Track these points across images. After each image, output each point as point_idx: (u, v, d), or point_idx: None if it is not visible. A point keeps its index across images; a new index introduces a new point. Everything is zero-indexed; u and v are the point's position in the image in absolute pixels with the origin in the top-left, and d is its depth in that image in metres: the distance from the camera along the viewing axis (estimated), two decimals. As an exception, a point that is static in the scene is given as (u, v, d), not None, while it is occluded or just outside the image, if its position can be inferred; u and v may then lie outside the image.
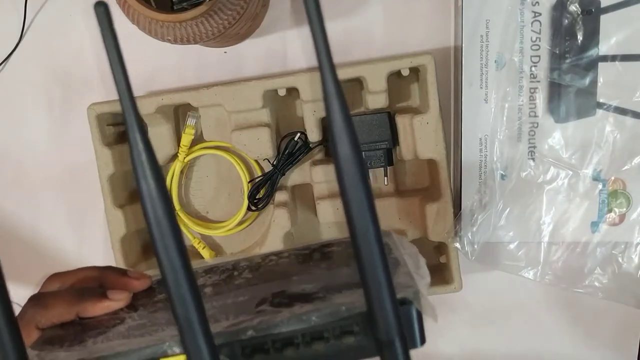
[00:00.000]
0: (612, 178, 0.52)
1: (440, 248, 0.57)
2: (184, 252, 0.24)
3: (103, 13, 0.22)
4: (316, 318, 0.28)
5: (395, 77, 0.55)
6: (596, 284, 0.52)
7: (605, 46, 0.50)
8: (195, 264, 0.36)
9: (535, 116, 0.52)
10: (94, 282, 0.35)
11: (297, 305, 0.29)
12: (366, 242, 0.25)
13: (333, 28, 0.56)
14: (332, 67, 0.24)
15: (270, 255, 0.36)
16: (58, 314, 0.32)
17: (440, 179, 0.53)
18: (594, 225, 0.52)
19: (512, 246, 0.53)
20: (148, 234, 0.24)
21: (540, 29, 0.50)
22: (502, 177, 0.53)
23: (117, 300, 0.33)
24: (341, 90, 0.24)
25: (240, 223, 0.59)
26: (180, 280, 0.24)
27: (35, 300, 0.33)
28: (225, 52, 0.58)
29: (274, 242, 0.55)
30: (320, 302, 0.29)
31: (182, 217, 0.59)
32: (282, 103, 0.57)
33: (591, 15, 0.50)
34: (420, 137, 0.53)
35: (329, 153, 0.58)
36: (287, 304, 0.29)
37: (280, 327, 0.28)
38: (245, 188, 0.58)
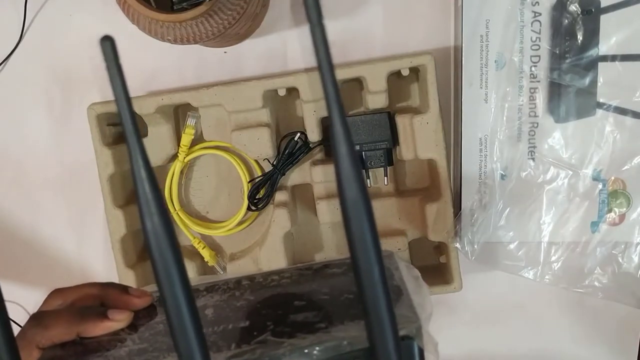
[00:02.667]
0: (612, 178, 0.52)
1: (440, 248, 0.57)
2: (188, 288, 0.24)
3: (109, 48, 0.22)
4: (318, 352, 0.28)
5: (395, 77, 0.55)
6: (596, 284, 0.52)
7: (605, 46, 0.50)
8: (197, 280, 0.36)
9: (535, 116, 0.52)
10: (95, 299, 0.35)
11: (299, 336, 0.29)
12: (371, 282, 0.25)
13: (333, 28, 0.56)
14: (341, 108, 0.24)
15: (272, 274, 0.36)
16: (58, 334, 0.32)
17: (440, 179, 0.53)
18: (594, 225, 0.52)
19: (512, 246, 0.53)
20: (152, 269, 0.24)
21: (540, 29, 0.50)
22: (502, 177, 0.53)
23: (118, 321, 0.33)
24: (348, 128, 0.24)
25: (240, 223, 0.59)
26: (183, 314, 0.24)
27: (35, 320, 0.33)
28: (225, 52, 0.58)
29: (274, 242, 0.55)
30: (323, 334, 0.29)
31: (182, 217, 0.59)
32: (282, 103, 0.57)
33: (591, 15, 0.50)
34: (420, 137, 0.53)
35: (329, 153, 0.58)
36: (289, 334, 0.29)
37: None
38: (245, 188, 0.58)
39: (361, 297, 0.25)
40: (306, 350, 0.28)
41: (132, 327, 0.33)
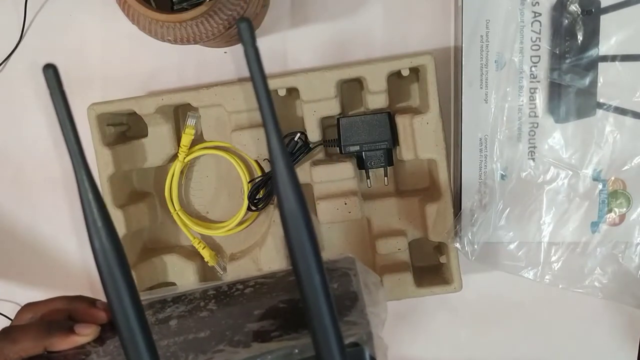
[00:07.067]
0: (612, 178, 0.52)
1: (440, 248, 0.57)
2: (137, 304, 0.25)
3: (52, 75, 0.22)
4: None
5: (395, 77, 0.55)
6: (596, 284, 0.52)
7: (605, 46, 0.50)
8: (164, 291, 0.37)
9: (535, 116, 0.52)
10: (63, 313, 0.36)
11: (254, 345, 0.30)
12: (314, 294, 0.26)
13: (333, 28, 0.56)
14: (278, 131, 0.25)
15: (237, 283, 0.37)
16: (26, 348, 0.33)
17: (440, 179, 0.53)
18: (594, 225, 0.52)
19: (512, 246, 0.53)
20: (102, 289, 0.25)
21: (540, 29, 0.50)
22: (502, 177, 0.53)
23: (84, 335, 0.34)
24: (284, 148, 0.26)
25: (240, 223, 0.59)
26: (133, 329, 0.25)
27: (4, 334, 0.34)
28: (225, 52, 0.58)
29: (274, 242, 0.55)
30: (276, 343, 0.30)
31: (182, 217, 0.59)
32: (282, 103, 0.57)
33: (591, 15, 0.50)
34: (420, 137, 0.53)
35: (329, 153, 0.58)
36: (245, 344, 0.30)
37: None
38: (245, 188, 0.58)
39: (305, 309, 0.26)
40: (258, 359, 0.29)
41: (99, 340, 0.34)
